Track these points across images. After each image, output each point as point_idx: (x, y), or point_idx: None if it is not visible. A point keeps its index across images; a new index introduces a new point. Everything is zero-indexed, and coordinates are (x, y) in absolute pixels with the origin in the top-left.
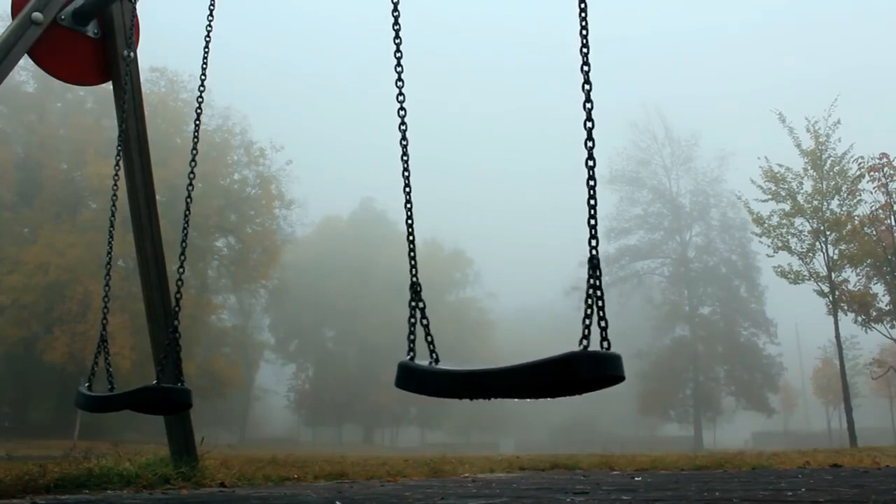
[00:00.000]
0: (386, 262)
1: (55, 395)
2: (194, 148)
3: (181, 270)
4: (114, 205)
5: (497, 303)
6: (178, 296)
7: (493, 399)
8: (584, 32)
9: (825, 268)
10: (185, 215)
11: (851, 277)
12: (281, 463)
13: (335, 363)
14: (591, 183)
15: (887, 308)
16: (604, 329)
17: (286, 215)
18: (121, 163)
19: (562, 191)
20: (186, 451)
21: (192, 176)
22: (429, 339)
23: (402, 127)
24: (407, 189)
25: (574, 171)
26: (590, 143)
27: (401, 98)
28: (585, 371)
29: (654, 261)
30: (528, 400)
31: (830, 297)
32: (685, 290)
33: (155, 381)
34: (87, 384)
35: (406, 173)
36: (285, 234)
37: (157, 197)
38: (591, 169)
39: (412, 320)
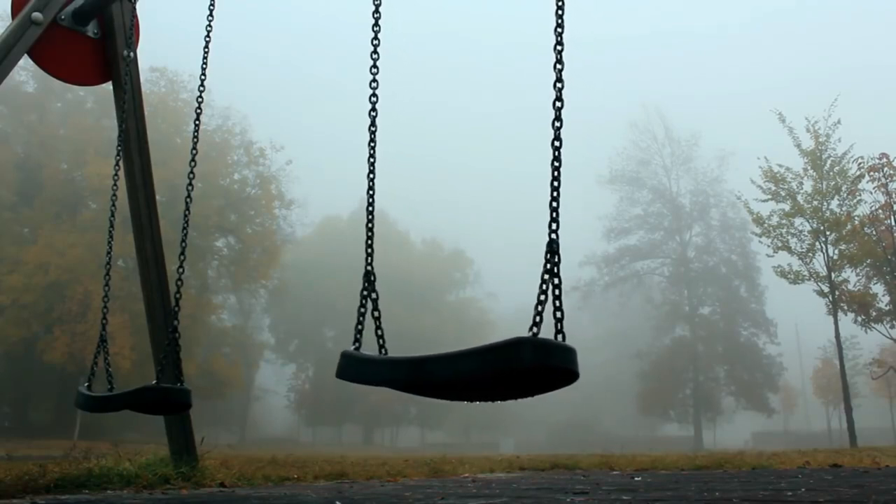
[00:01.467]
0: (386, 261)
1: (55, 395)
2: (194, 148)
3: (181, 270)
4: (114, 205)
5: (497, 303)
6: (178, 296)
7: (440, 399)
8: (559, 31)
9: (825, 268)
10: (185, 215)
11: (851, 277)
12: (281, 463)
13: (335, 363)
14: (556, 164)
15: (887, 308)
16: (559, 320)
17: (286, 215)
18: (121, 163)
19: (562, 191)
20: (186, 451)
21: (192, 176)
22: (379, 332)
23: (373, 113)
24: (371, 176)
25: (574, 171)
26: (557, 124)
27: (374, 84)
28: (530, 358)
29: (654, 261)
30: (478, 402)
31: (830, 297)
32: (685, 290)
33: (155, 381)
34: (87, 384)
35: (371, 160)
36: (285, 234)
37: (157, 197)
38: (556, 150)
39: (361, 310)
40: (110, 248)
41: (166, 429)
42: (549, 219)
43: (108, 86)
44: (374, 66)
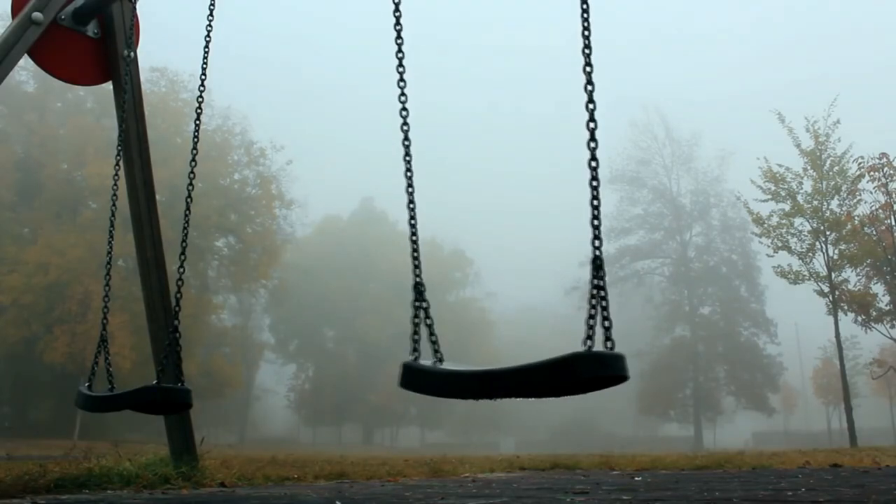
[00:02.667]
0: (386, 261)
1: (55, 395)
2: (194, 148)
3: (181, 270)
4: (114, 205)
5: (497, 303)
6: (179, 296)
7: (497, 399)
8: (586, 34)
9: (825, 268)
10: (186, 215)
11: (851, 277)
12: (281, 463)
13: (335, 363)
14: (595, 184)
15: (887, 308)
16: (608, 329)
17: (286, 215)
18: (121, 163)
19: (562, 191)
20: (186, 451)
21: (192, 176)
22: (433, 338)
23: (405, 127)
24: (410, 189)
25: (574, 171)
26: (592, 144)
27: (403, 98)
28: (589, 371)
29: (655, 261)
30: (532, 399)
31: (830, 297)
32: (685, 289)
33: (155, 381)
34: (87, 384)
35: (409, 173)
36: (285, 234)
37: (157, 197)
38: (593, 170)
39: (416, 320)
40: (110, 248)
41: (166, 429)
42: (591, 236)
43: (108, 86)
44: (402, 79)
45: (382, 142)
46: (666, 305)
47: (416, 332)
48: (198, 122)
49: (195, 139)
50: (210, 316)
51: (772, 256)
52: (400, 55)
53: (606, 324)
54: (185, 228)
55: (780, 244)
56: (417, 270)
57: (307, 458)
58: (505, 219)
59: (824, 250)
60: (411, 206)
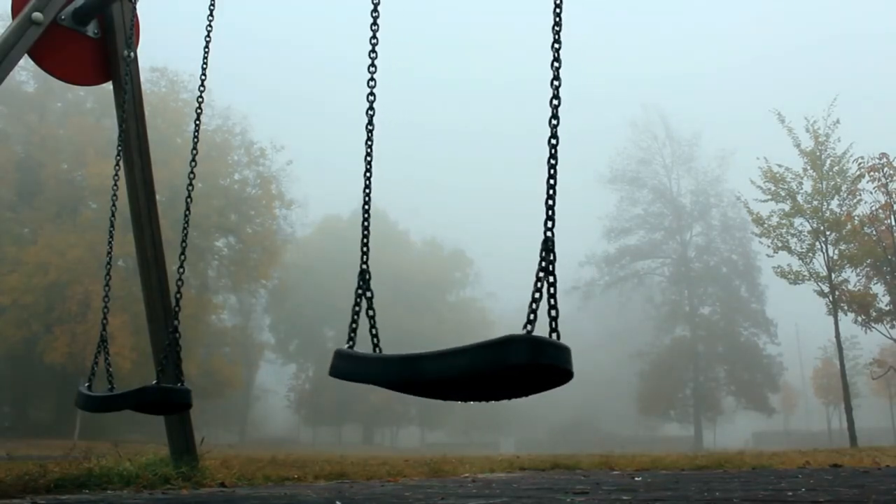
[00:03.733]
0: (386, 261)
1: (55, 395)
2: (194, 148)
3: (181, 270)
4: (114, 205)
5: (497, 303)
6: (179, 296)
7: (435, 398)
8: (556, 29)
9: (825, 268)
10: (186, 215)
11: (851, 277)
12: (281, 463)
13: None
14: (553, 162)
15: (887, 308)
16: (554, 319)
17: (286, 215)
18: (121, 163)
19: (562, 191)
20: (186, 451)
21: (192, 176)
22: (373, 331)
23: (370, 111)
24: (367, 175)
25: (575, 172)
26: (554, 122)
27: (371, 83)
28: (521, 356)
29: (655, 261)
30: (473, 402)
31: (830, 297)
32: (685, 290)
33: (155, 381)
34: (87, 384)
35: (368, 158)
36: (285, 234)
37: (158, 197)
38: (553, 147)
39: (356, 308)
40: (110, 248)
41: (166, 429)
42: (544, 216)
43: (108, 86)
44: (373, 64)
45: (383, 142)
46: (666, 305)
47: (354, 321)
48: (198, 122)
49: (195, 139)
50: (210, 316)
51: (772, 256)
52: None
53: (553, 312)
54: (185, 228)
55: (780, 244)
56: (365, 258)
57: (307, 458)
58: (505, 219)
59: (824, 250)
60: (367, 190)
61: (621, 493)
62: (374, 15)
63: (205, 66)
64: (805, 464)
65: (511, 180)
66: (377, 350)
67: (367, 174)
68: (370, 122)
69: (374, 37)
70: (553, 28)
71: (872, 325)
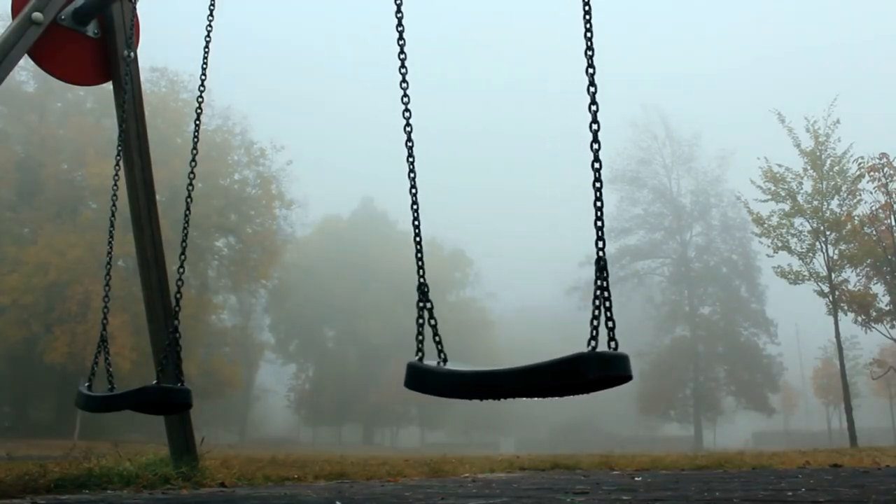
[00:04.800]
0: (386, 261)
1: (55, 395)
2: (194, 148)
3: (181, 270)
4: (114, 205)
5: (497, 302)
6: (179, 296)
7: (501, 399)
8: (588, 35)
9: (825, 268)
10: (186, 215)
11: (851, 277)
12: (281, 463)
13: (335, 363)
14: (598, 185)
15: (887, 308)
16: (611, 330)
17: (286, 215)
18: (121, 163)
19: (562, 191)
20: (186, 451)
21: (192, 176)
22: (437, 339)
23: (408, 128)
24: (413, 190)
25: (574, 172)
26: (595, 146)
27: (405, 100)
28: (593, 371)
29: (655, 261)
30: (536, 399)
31: (830, 297)
32: (685, 289)
33: (155, 381)
34: (87, 384)
35: (412, 174)
36: (285, 234)
37: (158, 197)
38: (597, 171)
39: (420, 321)
40: (110, 248)
41: (166, 429)
42: (595, 237)
43: (108, 86)
44: (404, 80)
45: (383, 142)
46: (666, 305)
47: (420, 333)
48: (198, 122)
49: (195, 139)
50: (210, 316)
51: (772, 256)
52: (402, 56)
53: (610, 324)
54: (185, 228)
55: (780, 244)
56: (421, 272)
57: (307, 458)
58: (505, 219)
59: (824, 250)
60: (415, 206)
61: (621, 493)
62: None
63: (205, 66)
64: (805, 464)
65: (511, 180)
66: (441, 356)
67: (413, 191)
68: (409, 140)
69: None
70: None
71: (872, 325)
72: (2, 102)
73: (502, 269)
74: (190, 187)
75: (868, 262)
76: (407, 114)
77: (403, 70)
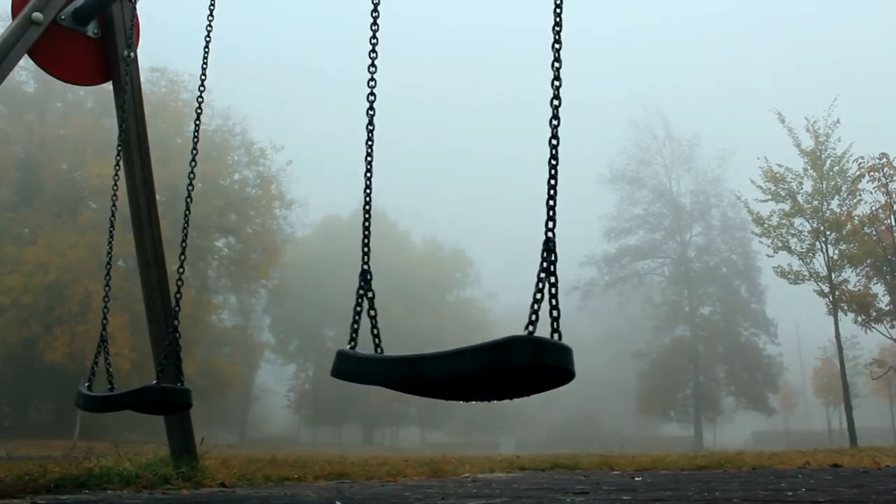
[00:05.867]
0: (386, 261)
1: (55, 395)
2: (194, 148)
3: (181, 270)
4: (114, 205)
5: (497, 303)
6: (179, 296)
7: (436, 398)
8: (557, 29)
9: (825, 268)
10: (186, 215)
11: (851, 277)
12: (281, 463)
13: None
14: (553, 162)
15: (887, 308)
16: (555, 319)
17: (286, 215)
18: (121, 163)
19: (562, 191)
20: (186, 451)
21: (192, 176)
22: (375, 331)
23: (370, 112)
24: (368, 174)
25: (574, 172)
26: (554, 122)
27: (372, 84)
28: (525, 356)
29: (655, 261)
30: (475, 402)
31: (830, 297)
32: (685, 290)
33: (155, 381)
34: (87, 384)
35: (369, 158)
36: (285, 234)
37: (158, 197)
38: (554, 148)
39: (357, 308)
40: (110, 248)
41: (166, 429)
42: (545, 217)
43: (108, 86)
44: (373, 64)
45: (382, 141)
46: (666, 305)
47: (355, 322)
48: (198, 122)
49: (195, 139)
50: (210, 316)
51: (772, 256)
52: (374, 41)
53: (555, 313)
54: (185, 228)
55: (780, 244)
56: (366, 258)
57: (307, 458)
58: (505, 219)
59: (824, 250)
60: (367, 190)
61: (621, 493)
62: (374, 15)
63: (205, 66)
64: (805, 464)
65: (511, 180)
66: (378, 350)
67: (368, 175)
68: (370, 122)
69: (373, 36)
70: (553, 28)
71: (872, 325)
72: (2, 102)
73: (502, 269)
74: (190, 187)
75: (868, 262)
76: (372, 97)
77: (373, 55)
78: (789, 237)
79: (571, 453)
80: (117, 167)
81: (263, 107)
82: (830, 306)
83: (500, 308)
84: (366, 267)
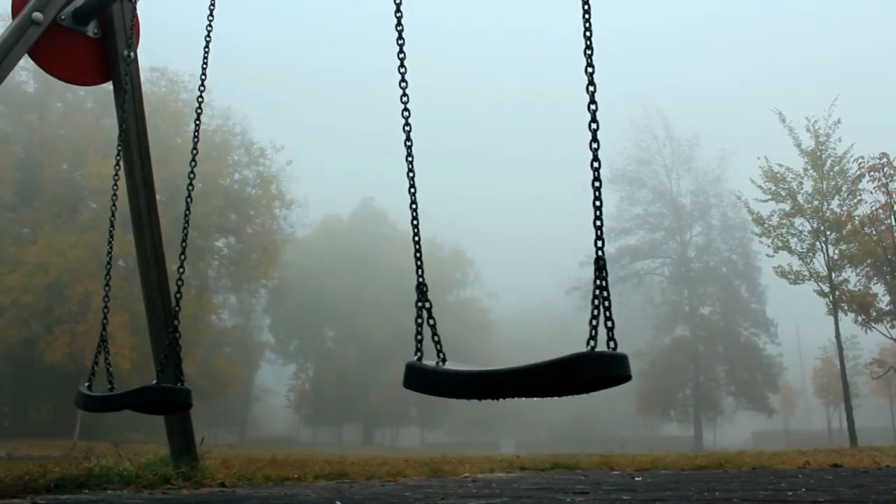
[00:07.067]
0: (386, 261)
1: (55, 395)
2: (194, 148)
3: (181, 270)
4: (114, 205)
5: (497, 303)
6: (179, 296)
7: (500, 399)
8: (587, 34)
9: (825, 268)
10: (186, 215)
11: (851, 277)
12: (281, 463)
13: (335, 363)
14: (597, 184)
15: (887, 308)
16: (610, 329)
17: (286, 215)
18: (121, 163)
19: (562, 191)
20: (186, 450)
21: (192, 176)
22: (436, 338)
23: (406, 128)
24: (412, 190)
25: (574, 172)
26: (595, 145)
27: (405, 99)
28: (592, 372)
29: (655, 261)
30: (535, 399)
31: (830, 297)
32: (685, 290)
33: (155, 381)
34: (87, 384)
35: (411, 174)
36: (285, 234)
37: (158, 197)
38: (596, 171)
39: (419, 320)
40: (110, 248)
41: (166, 429)
42: (594, 237)
43: (108, 86)
44: (403, 79)
45: (383, 142)
46: (666, 305)
47: (419, 333)
48: (198, 122)
49: (195, 139)
50: (210, 316)
51: (772, 256)
52: (402, 55)
53: (609, 324)
54: (185, 228)
55: (780, 244)
56: (420, 271)
57: (307, 458)
58: (505, 219)
59: (824, 250)
60: (414, 206)
61: (621, 493)
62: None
63: (205, 66)
64: (805, 464)
65: (511, 180)
66: (440, 356)
67: (412, 190)
68: (408, 139)
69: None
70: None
71: (872, 325)
72: (2, 102)
73: (502, 269)
74: (190, 187)
75: (868, 262)
76: (406, 113)
77: (402, 69)
78: (789, 237)
79: (571, 453)
80: (117, 167)
81: (263, 107)
82: (830, 306)
83: (501, 308)
84: (421, 280)
